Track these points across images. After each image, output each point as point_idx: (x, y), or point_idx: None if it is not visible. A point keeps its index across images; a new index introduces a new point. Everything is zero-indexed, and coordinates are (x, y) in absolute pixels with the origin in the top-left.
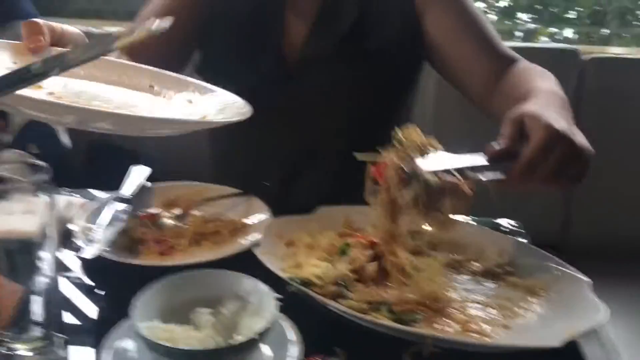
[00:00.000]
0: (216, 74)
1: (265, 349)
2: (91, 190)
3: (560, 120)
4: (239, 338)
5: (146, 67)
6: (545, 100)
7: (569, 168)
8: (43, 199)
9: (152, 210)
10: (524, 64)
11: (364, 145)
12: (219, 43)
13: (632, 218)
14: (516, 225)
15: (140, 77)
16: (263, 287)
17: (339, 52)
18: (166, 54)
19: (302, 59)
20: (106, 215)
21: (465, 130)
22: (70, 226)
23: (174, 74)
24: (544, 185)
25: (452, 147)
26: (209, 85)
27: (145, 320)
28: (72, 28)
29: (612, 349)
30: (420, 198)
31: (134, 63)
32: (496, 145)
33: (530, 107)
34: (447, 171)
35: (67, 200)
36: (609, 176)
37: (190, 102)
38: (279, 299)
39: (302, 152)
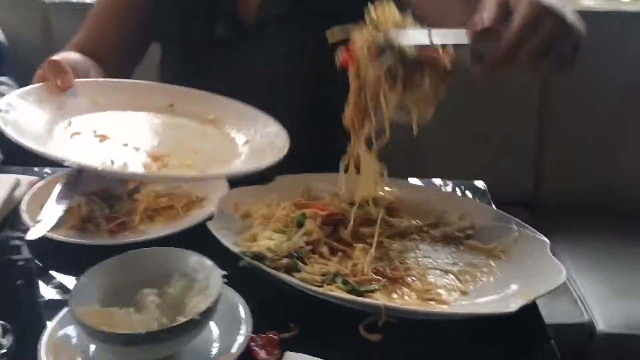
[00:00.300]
0: (174, 45)
1: (213, 328)
2: (43, 168)
3: None
4: (180, 319)
5: (160, 85)
6: None
7: (557, 46)
8: None
9: (101, 187)
10: None
11: (327, 107)
12: (172, 13)
13: (604, 173)
14: (478, 185)
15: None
16: (209, 264)
17: (295, 12)
18: (129, 45)
19: (258, 21)
20: (54, 193)
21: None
22: (20, 205)
23: (193, 91)
24: (530, 66)
25: None
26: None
27: (84, 305)
28: (72, 55)
29: (581, 302)
30: (396, 70)
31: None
32: (479, 24)
33: None
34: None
35: (15, 178)
36: (579, 131)
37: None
38: (230, 274)
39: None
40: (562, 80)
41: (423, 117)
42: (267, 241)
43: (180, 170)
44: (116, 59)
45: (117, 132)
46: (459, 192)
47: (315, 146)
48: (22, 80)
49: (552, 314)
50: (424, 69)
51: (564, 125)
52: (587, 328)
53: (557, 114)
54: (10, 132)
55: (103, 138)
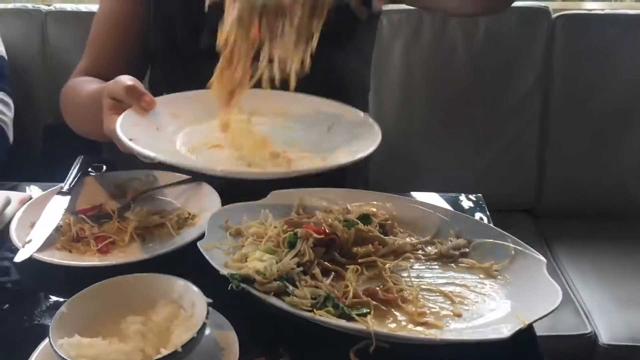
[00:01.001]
0: (160, 58)
1: (199, 356)
2: (33, 185)
3: None
4: (163, 351)
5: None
6: None
7: None
8: None
9: (93, 203)
10: None
11: None
12: (160, 26)
13: (603, 178)
14: (475, 199)
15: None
16: (195, 290)
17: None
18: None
19: None
20: (44, 211)
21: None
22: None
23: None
24: None
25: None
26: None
27: (65, 336)
28: (130, 77)
29: (585, 313)
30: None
31: None
32: None
33: None
34: None
35: (6, 196)
36: (580, 137)
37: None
38: (219, 297)
39: None
40: (563, 86)
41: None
42: (257, 263)
43: (314, 162)
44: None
45: (222, 140)
46: (455, 207)
47: None
48: (18, 89)
49: (555, 325)
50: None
51: (565, 131)
52: (590, 339)
53: (557, 120)
54: (161, 157)
55: (217, 147)
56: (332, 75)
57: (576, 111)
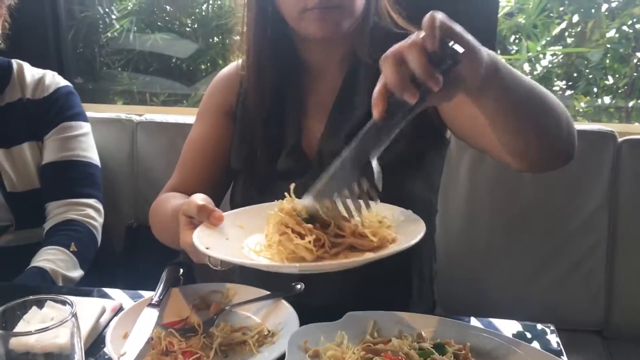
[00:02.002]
0: (240, 178)
1: None
2: (123, 292)
3: None
4: None
5: None
6: None
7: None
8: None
9: (181, 316)
10: None
11: None
12: (241, 147)
13: None
14: (550, 331)
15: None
16: None
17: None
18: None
19: (319, 154)
20: (136, 324)
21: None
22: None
23: None
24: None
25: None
26: None
27: None
28: (202, 195)
29: None
30: None
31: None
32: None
33: None
34: None
35: (102, 306)
36: None
37: None
38: None
39: None
40: (630, 207)
41: None
42: None
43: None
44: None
45: None
46: (529, 336)
47: (381, 272)
48: (105, 192)
49: None
50: None
51: (634, 251)
52: None
53: (626, 240)
54: (235, 260)
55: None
56: (399, 202)
57: None
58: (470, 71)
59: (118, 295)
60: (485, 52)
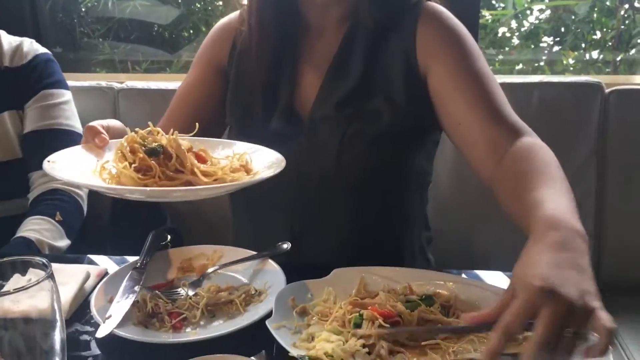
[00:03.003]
0: (234, 132)
1: None
2: (108, 258)
3: (548, 268)
4: None
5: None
6: (542, 232)
7: (565, 325)
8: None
9: (166, 279)
10: (527, 141)
11: (375, 201)
12: (235, 103)
13: None
14: None
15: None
16: None
17: (341, 113)
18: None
19: (311, 118)
20: (122, 287)
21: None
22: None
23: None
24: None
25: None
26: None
27: None
28: (113, 121)
29: None
30: None
31: None
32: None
33: (523, 257)
34: None
35: (86, 271)
36: (639, 211)
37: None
38: None
39: (314, 208)
40: (618, 159)
41: None
42: (325, 344)
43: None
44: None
45: None
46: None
47: (369, 233)
48: None
49: None
50: None
51: (623, 203)
52: None
53: (614, 192)
54: (57, 174)
55: None
56: (397, 171)
57: (633, 184)
58: None
59: (104, 262)
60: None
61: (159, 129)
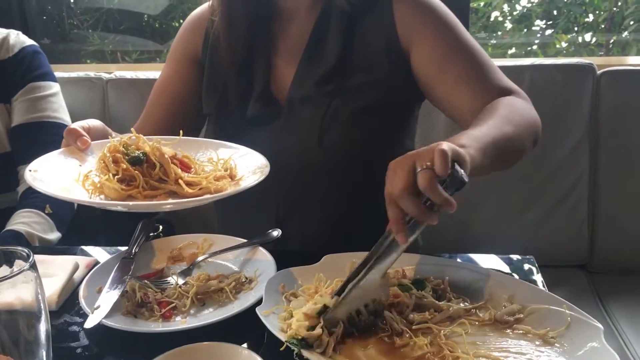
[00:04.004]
0: (210, 124)
1: None
2: (97, 248)
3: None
4: None
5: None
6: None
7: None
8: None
9: (156, 268)
10: (506, 97)
11: (359, 180)
12: (211, 93)
13: None
14: (528, 261)
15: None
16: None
17: (320, 92)
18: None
19: (288, 100)
20: (110, 277)
21: None
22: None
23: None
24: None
25: None
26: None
27: None
28: (94, 121)
29: None
30: None
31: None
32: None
33: None
34: None
35: (75, 262)
36: (631, 190)
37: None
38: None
39: (298, 191)
40: (611, 140)
41: None
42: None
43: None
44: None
45: None
46: (508, 270)
47: (355, 214)
48: None
49: None
50: None
51: (616, 184)
52: None
53: (607, 173)
54: (39, 186)
55: None
56: (378, 146)
57: (626, 165)
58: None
59: (97, 253)
60: (472, 157)
61: (142, 136)
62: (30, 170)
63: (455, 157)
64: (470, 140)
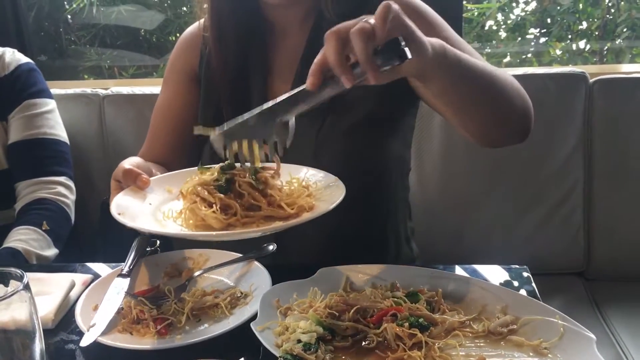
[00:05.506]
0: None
1: None
2: (94, 264)
3: None
4: None
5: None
6: None
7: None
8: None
9: (151, 284)
10: None
11: (356, 192)
12: (207, 106)
13: None
14: (522, 271)
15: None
16: None
17: (321, 104)
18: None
19: None
20: (106, 295)
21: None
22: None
23: None
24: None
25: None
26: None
27: None
28: (136, 159)
29: None
30: None
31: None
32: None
33: None
34: None
35: (71, 280)
36: (626, 197)
37: None
38: None
39: None
40: (605, 148)
41: None
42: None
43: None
44: (175, 162)
45: None
46: (501, 280)
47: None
48: (77, 168)
49: None
50: None
51: (611, 192)
52: None
53: (602, 181)
54: (141, 225)
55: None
56: (374, 158)
57: (620, 171)
58: (414, 66)
59: (97, 269)
60: (432, 45)
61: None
62: (119, 214)
63: (406, 34)
64: (443, 43)
